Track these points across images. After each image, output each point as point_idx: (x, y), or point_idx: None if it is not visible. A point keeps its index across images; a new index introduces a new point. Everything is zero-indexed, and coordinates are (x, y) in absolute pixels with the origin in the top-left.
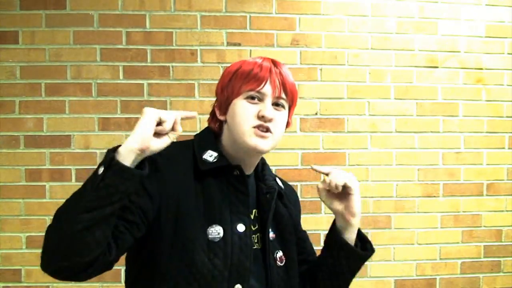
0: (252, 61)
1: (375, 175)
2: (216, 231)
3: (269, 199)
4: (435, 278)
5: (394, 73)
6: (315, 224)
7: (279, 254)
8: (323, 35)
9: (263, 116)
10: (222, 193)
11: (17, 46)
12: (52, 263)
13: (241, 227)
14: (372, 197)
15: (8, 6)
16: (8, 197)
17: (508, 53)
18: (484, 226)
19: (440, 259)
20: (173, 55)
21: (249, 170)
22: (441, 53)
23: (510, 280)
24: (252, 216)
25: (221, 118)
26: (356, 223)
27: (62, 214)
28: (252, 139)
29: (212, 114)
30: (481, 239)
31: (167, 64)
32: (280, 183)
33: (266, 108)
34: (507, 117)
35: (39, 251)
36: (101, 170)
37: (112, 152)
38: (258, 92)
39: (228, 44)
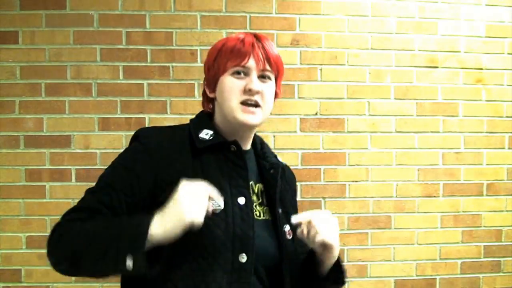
0: (235, 37)
1: (375, 175)
2: (217, 203)
3: (274, 174)
4: (435, 278)
5: (394, 73)
6: None
7: (287, 228)
8: (323, 35)
9: (250, 90)
10: (221, 168)
11: (17, 46)
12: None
13: (241, 200)
14: (372, 197)
15: (8, 6)
16: (8, 197)
17: (508, 53)
18: (484, 226)
19: (440, 259)
20: (173, 55)
21: (246, 145)
22: (441, 53)
23: (510, 280)
24: (256, 190)
25: (211, 95)
26: (334, 261)
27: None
28: (241, 115)
29: (203, 93)
30: (481, 239)
31: (167, 64)
32: (280, 160)
33: (252, 81)
34: (507, 117)
35: (39, 251)
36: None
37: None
38: (243, 66)
39: None
